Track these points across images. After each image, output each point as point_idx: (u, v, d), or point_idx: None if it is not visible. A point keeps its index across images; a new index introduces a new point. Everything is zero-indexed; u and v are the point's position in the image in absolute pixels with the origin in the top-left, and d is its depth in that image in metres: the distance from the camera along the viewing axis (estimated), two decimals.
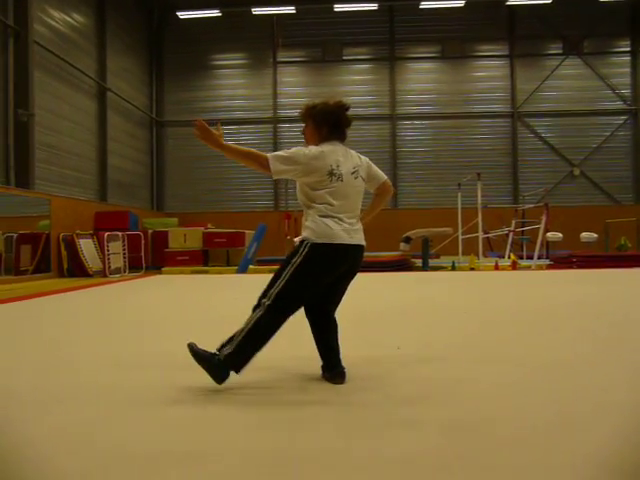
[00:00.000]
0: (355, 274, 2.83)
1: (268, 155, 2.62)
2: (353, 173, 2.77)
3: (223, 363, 2.56)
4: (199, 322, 4.93)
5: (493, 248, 15.76)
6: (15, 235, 10.78)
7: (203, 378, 2.58)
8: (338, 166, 2.70)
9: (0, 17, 11.06)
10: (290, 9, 17.06)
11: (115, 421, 2.24)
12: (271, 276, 2.71)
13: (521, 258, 13.53)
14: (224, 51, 18.53)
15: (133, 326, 4.88)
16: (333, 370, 2.77)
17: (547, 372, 2.92)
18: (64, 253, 11.35)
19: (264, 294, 2.65)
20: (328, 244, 2.62)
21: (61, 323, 5.25)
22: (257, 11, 17.15)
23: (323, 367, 2.83)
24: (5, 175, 11.25)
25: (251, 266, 12.26)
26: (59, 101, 13.18)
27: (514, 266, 11.66)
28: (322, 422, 2.20)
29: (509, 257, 13.06)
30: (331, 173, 2.67)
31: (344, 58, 18.36)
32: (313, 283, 2.68)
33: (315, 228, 2.64)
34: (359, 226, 2.81)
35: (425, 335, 4.13)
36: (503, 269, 11.65)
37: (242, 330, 2.59)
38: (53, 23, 13.01)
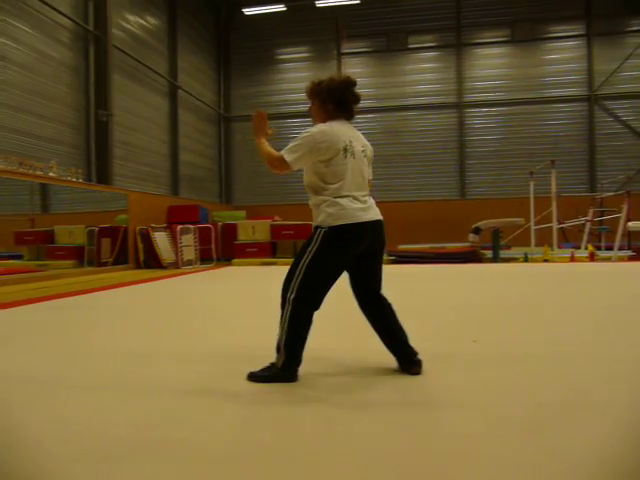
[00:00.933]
0: (382, 250, 2.76)
1: (281, 152, 2.62)
2: (362, 151, 2.75)
3: (282, 370, 2.63)
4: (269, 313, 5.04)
5: (568, 239, 15.08)
6: (96, 229, 11.40)
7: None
8: (351, 142, 2.68)
9: (82, 24, 11.72)
10: (355, 0, 16.93)
11: (194, 414, 2.34)
12: (290, 266, 2.68)
13: (599, 249, 12.88)
14: (288, 45, 18.70)
15: (211, 316, 5.06)
16: (407, 361, 2.74)
17: None
18: (140, 246, 11.86)
19: (285, 289, 2.64)
20: (344, 225, 2.58)
21: (140, 313, 5.51)
22: (321, 4, 17.15)
23: (397, 357, 2.79)
24: (87, 172, 11.94)
25: None
26: (135, 101, 13.81)
27: (592, 257, 11.11)
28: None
29: (586, 248, 12.46)
30: (345, 149, 2.64)
31: (409, 47, 18.05)
32: (334, 268, 2.63)
33: (330, 211, 2.59)
34: (372, 202, 2.76)
35: (500, 329, 4.03)
36: (580, 261, 11.13)
37: (282, 335, 2.62)
38: (129, 27, 13.62)
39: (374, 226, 2.68)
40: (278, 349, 2.65)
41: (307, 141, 2.60)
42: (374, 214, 2.70)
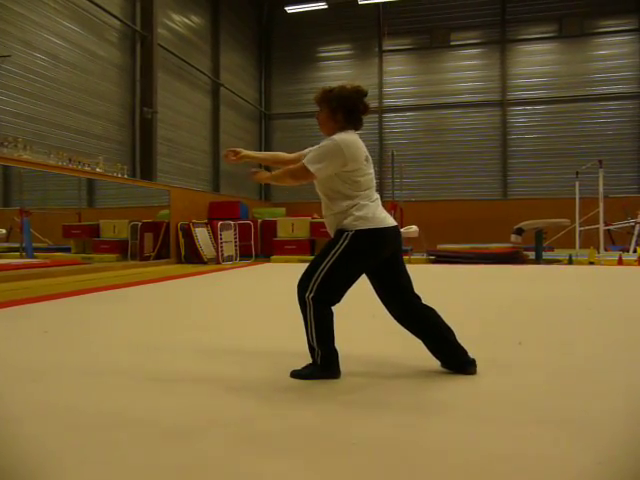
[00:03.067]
0: (400, 251, 2.77)
1: (302, 162, 2.60)
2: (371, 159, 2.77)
3: (324, 369, 2.63)
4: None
5: (615, 241, 14.59)
6: (139, 224, 11.68)
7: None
8: (366, 151, 2.70)
9: (130, 24, 12.02)
10: None
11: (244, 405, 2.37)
12: (308, 265, 2.66)
13: None
14: (330, 43, 18.71)
15: (250, 311, 5.12)
16: (460, 362, 2.68)
17: None
18: (182, 241, 12.09)
19: (303, 286, 2.62)
20: (373, 229, 2.57)
21: (185, 307, 5.62)
22: (363, 1, 17.08)
23: (446, 363, 2.74)
24: (132, 168, 12.26)
25: None
26: (178, 98, 14.08)
27: None
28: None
29: (635, 251, 12.02)
30: (367, 159, 2.66)
31: (452, 44, 17.79)
32: (358, 271, 2.63)
33: (359, 214, 2.58)
34: None
35: (547, 332, 3.94)
36: (628, 264, 10.74)
37: (311, 334, 2.61)
38: (173, 26, 13.90)
39: (396, 231, 2.70)
40: (312, 349, 2.66)
41: (332, 151, 2.56)
42: (392, 220, 2.73)
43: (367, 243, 2.58)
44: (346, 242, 2.57)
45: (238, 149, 2.95)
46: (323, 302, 2.60)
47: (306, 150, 2.82)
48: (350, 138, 2.62)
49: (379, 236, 2.59)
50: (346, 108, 2.68)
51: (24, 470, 1.69)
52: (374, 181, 2.76)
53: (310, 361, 2.70)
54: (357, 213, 2.59)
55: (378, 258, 2.64)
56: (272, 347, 3.39)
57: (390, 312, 2.77)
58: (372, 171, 2.74)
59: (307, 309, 2.61)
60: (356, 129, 2.74)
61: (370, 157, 2.75)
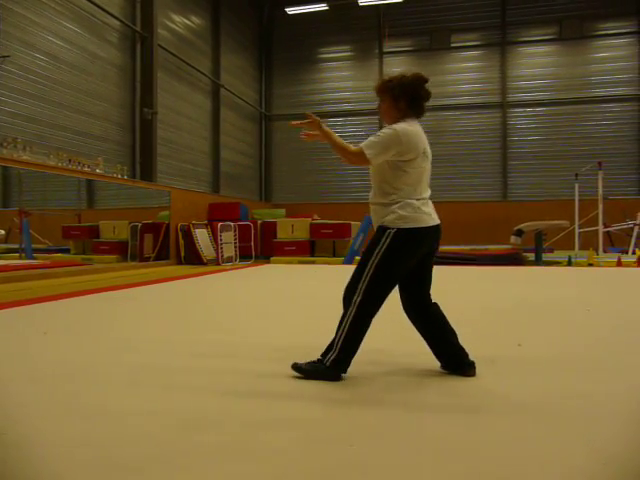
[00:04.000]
0: (435, 252, 2.75)
1: (360, 145, 2.56)
2: (430, 154, 2.73)
3: (330, 368, 2.62)
4: (312, 310, 5.06)
5: (614, 243, 14.60)
6: (139, 225, 11.67)
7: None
8: (427, 144, 2.67)
9: (130, 24, 12.03)
10: None
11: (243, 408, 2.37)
12: (354, 269, 2.65)
13: None
14: (330, 44, 18.71)
15: (255, 313, 5.11)
16: (461, 364, 2.70)
17: None
18: (181, 242, 12.08)
19: (352, 290, 2.61)
20: (414, 228, 2.56)
21: (183, 308, 5.62)
22: (363, 2, 17.08)
23: (447, 366, 2.75)
24: (132, 169, 12.25)
25: (357, 257, 12.36)
26: (178, 99, 14.09)
27: None
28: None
29: (634, 253, 12.03)
30: (424, 152, 2.63)
31: (452, 45, 17.80)
32: (400, 270, 2.62)
33: (402, 212, 2.57)
34: (431, 203, 2.74)
35: (546, 333, 3.93)
36: (627, 265, 10.75)
37: (341, 333, 2.60)
38: (174, 26, 13.90)
39: (437, 230, 2.68)
40: (331, 346, 2.64)
41: (391, 139, 2.54)
42: (436, 218, 2.70)
43: (408, 242, 2.57)
44: (388, 241, 2.56)
45: (315, 119, 2.70)
46: (368, 307, 2.59)
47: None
48: (412, 128, 2.61)
49: (420, 235, 2.59)
50: (408, 95, 2.66)
51: (25, 469, 1.69)
52: (427, 176, 2.70)
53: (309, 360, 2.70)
54: (400, 211, 2.57)
55: (417, 257, 2.64)
56: (276, 344, 3.39)
57: (403, 305, 2.78)
58: (427, 166, 2.68)
59: (350, 309, 2.60)
60: (418, 117, 2.73)
61: (429, 151, 2.71)
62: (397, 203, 2.59)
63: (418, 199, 2.62)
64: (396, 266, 2.60)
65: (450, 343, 2.73)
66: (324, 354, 2.67)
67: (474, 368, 2.70)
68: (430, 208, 2.69)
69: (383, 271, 2.57)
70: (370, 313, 2.61)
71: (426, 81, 2.70)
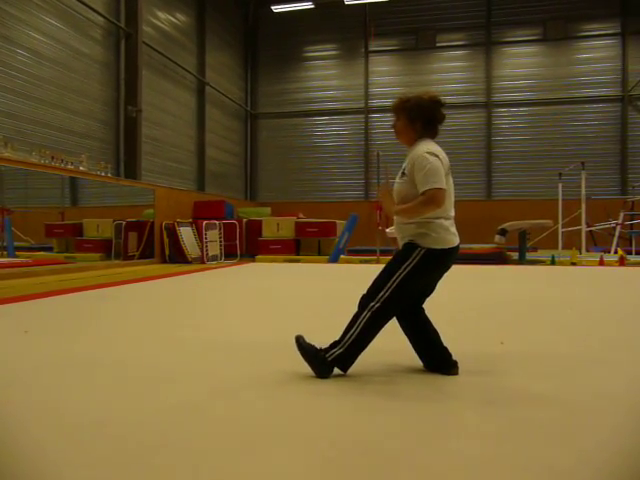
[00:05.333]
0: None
1: (428, 188, 2.52)
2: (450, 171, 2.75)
3: (332, 362, 2.63)
4: (296, 309, 5.05)
5: (597, 242, 14.80)
6: (123, 223, 11.57)
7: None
8: (448, 163, 2.70)
9: (114, 21, 11.90)
10: None
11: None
12: (376, 276, 2.67)
13: (629, 253, 12.60)
14: (316, 43, 18.70)
15: (237, 310, 5.10)
16: (444, 363, 2.74)
17: None
18: (166, 240, 12.00)
19: (371, 296, 2.62)
20: (444, 249, 2.61)
21: (168, 306, 5.58)
22: (350, 1, 17.10)
23: (429, 365, 2.79)
24: (116, 167, 12.14)
25: (342, 256, 12.38)
26: (163, 97, 13.98)
27: (622, 262, 10.86)
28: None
29: (616, 252, 12.20)
30: (448, 172, 2.66)
31: (438, 45, 17.90)
32: (421, 287, 2.71)
33: (434, 234, 2.60)
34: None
35: (527, 331, 3.98)
36: (609, 265, 10.90)
37: (351, 333, 2.62)
38: (159, 23, 13.79)
39: (458, 249, 2.73)
40: (337, 343, 2.64)
41: (438, 164, 2.56)
42: (458, 237, 2.73)
43: (438, 262, 2.64)
44: (417, 259, 2.60)
45: (389, 196, 2.76)
46: (384, 316, 2.62)
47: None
48: (438, 148, 2.65)
49: (447, 256, 2.64)
50: (424, 118, 2.69)
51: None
52: (451, 193, 2.69)
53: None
54: (432, 233, 2.60)
55: (442, 274, 2.74)
56: (258, 343, 3.38)
57: (399, 318, 2.83)
58: (451, 184, 2.69)
59: (364, 314, 2.61)
60: (432, 138, 2.75)
61: (450, 168, 2.71)
62: (430, 223, 2.61)
63: (446, 218, 2.66)
64: (420, 283, 2.68)
65: (434, 344, 2.77)
66: (329, 348, 2.66)
67: (457, 367, 2.74)
68: (454, 228, 2.72)
69: (406, 286, 2.61)
70: (384, 320, 2.65)
71: (442, 105, 2.74)
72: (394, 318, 2.74)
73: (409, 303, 2.77)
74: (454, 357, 2.75)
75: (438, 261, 2.64)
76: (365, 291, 2.68)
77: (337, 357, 2.62)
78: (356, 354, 2.66)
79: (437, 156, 2.58)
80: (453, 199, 2.72)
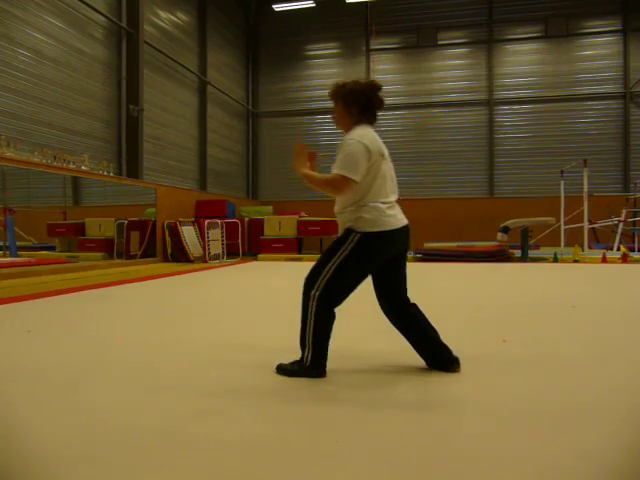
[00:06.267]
0: (407, 252, 2.75)
1: (337, 172, 2.52)
2: (389, 154, 2.74)
3: (311, 367, 2.63)
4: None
5: (599, 239, 14.77)
6: (126, 222, 11.58)
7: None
8: (383, 146, 2.67)
9: (115, 20, 11.91)
10: None
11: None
12: (315, 263, 2.65)
13: (632, 250, 12.57)
14: (317, 41, 18.68)
15: (240, 310, 5.10)
16: (445, 360, 2.71)
17: None
18: (168, 239, 12.01)
19: (311, 284, 2.61)
20: (381, 232, 2.56)
21: (169, 305, 5.59)
22: None
23: (430, 362, 2.76)
24: (118, 166, 12.15)
25: None
26: (164, 96, 13.98)
27: (625, 259, 10.84)
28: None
29: (618, 249, 12.17)
30: (382, 154, 2.63)
31: (439, 43, 17.85)
32: (364, 272, 2.63)
33: (368, 216, 2.56)
34: (398, 206, 2.73)
35: (531, 329, 3.97)
36: (612, 262, 10.88)
37: (307, 330, 2.61)
38: (160, 23, 13.78)
39: (405, 231, 2.69)
40: (303, 345, 2.65)
41: (361, 150, 2.53)
42: (403, 219, 2.70)
43: (374, 246, 2.58)
44: (353, 244, 2.57)
45: (307, 160, 2.74)
46: (327, 302, 2.59)
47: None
48: (368, 133, 2.61)
49: (386, 239, 2.58)
50: (360, 103, 2.66)
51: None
52: (389, 177, 2.68)
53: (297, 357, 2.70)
54: (365, 215, 2.57)
55: (382, 261, 2.64)
56: (260, 344, 3.39)
57: (381, 306, 2.78)
58: (387, 167, 2.67)
59: (310, 305, 2.60)
60: (370, 123, 2.71)
61: (387, 152, 2.71)
62: (363, 207, 2.59)
63: (383, 202, 2.62)
64: (358, 269, 2.61)
65: (432, 340, 2.73)
66: (302, 355, 2.67)
67: (458, 364, 2.72)
68: (396, 210, 2.68)
69: (346, 271, 2.58)
70: (330, 305, 2.61)
71: (379, 89, 2.70)
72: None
73: (383, 306, 2.73)
74: (455, 354, 2.73)
75: (375, 245, 2.58)
76: (307, 275, 2.65)
77: (311, 360, 2.62)
78: (324, 347, 2.62)
79: (364, 144, 2.53)
80: (394, 183, 2.71)
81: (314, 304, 2.58)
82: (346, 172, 2.51)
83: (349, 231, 2.61)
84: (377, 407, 2.22)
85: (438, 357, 2.73)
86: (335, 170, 2.54)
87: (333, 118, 2.80)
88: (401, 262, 2.73)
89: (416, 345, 2.77)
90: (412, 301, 2.78)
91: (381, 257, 2.63)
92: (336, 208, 2.73)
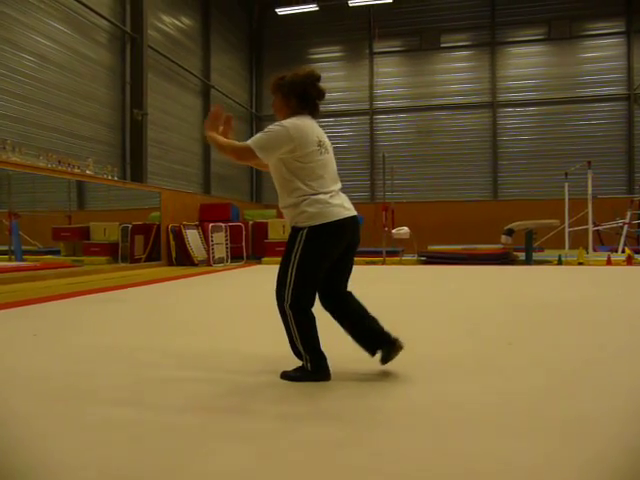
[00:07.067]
0: (356, 247, 2.70)
1: (248, 142, 2.52)
2: (330, 145, 2.71)
3: (314, 372, 2.62)
4: None
5: (604, 242, 14.72)
6: (130, 226, 11.61)
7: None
8: (322, 136, 2.63)
9: (120, 25, 11.97)
10: None
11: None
12: (277, 274, 2.62)
13: (637, 253, 12.51)
14: (321, 45, 18.73)
15: (245, 316, 5.11)
16: (387, 342, 2.62)
17: None
18: (172, 243, 12.03)
19: (281, 297, 2.59)
20: (327, 224, 2.51)
21: (174, 310, 5.60)
22: (354, 3, 17.09)
23: (372, 348, 2.66)
24: (122, 171, 12.19)
25: None
26: (168, 100, 14.04)
27: (630, 261, 10.80)
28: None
29: (623, 251, 12.12)
30: (319, 144, 2.58)
31: (442, 46, 17.88)
32: (322, 266, 2.57)
33: (311, 210, 2.51)
34: (344, 195, 2.69)
35: (537, 331, 3.96)
36: (616, 264, 10.83)
37: (295, 341, 2.60)
38: (164, 27, 13.86)
39: (354, 221, 2.63)
40: (299, 355, 2.65)
41: (280, 134, 2.50)
42: (352, 209, 2.65)
43: (323, 239, 2.52)
44: (302, 241, 2.52)
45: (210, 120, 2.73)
46: (301, 307, 2.57)
47: None
48: (300, 122, 2.57)
49: (335, 229, 2.53)
50: (298, 94, 2.63)
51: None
52: (331, 168, 2.65)
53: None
54: (308, 209, 2.52)
55: (337, 251, 2.59)
56: (265, 350, 3.39)
57: (320, 297, 2.71)
58: (326, 157, 2.62)
59: (288, 318, 2.59)
60: (312, 115, 2.68)
61: (328, 143, 2.67)
62: (304, 200, 2.53)
63: (326, 192, 2.56)
64: (316, 264, 2.55)
65: (369, 326, 2.66)
66: (303, 363, 2.66)
67: (399, 343, 2.61)
68: (342, 200, 2.62)
69: (304, 272, 2.54)
70: (304, 310, 2.58)
71: (317, 79, 2.67)
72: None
73: (320, 297, 2.69)
74: (393, 335, 2.63)
75: (325, 237, 2.52)
76: (275, 287, 2.63)
77: (312, 367, 2.61)
78: (318, 350, 2.60)
79: (288, 129, 2.50)
80: (334, 174, 2.67)
81: (291, 315, 2.56)
82: (255, 146, 2.49)
83: (296, 229, 2.57)
84: (382, 415, 2.22)
85: (377, 340, 2.64)
86: (248, 141, 2.54)
87: (273, 110, 2.77)
88: (348, 256, 2.67)
89: (354, 333, 2.69)
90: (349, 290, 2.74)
91: (334, 248, 2.56)
92: (280, 203, 2.69)
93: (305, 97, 2.64)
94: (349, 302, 2.71)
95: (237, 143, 2.62)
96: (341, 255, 2.63)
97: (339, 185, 2.69)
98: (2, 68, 9.14)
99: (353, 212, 2.65)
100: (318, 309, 2.65)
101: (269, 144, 2.52)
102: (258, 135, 2.55)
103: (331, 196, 2.57)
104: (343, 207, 2.60)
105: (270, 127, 2.56)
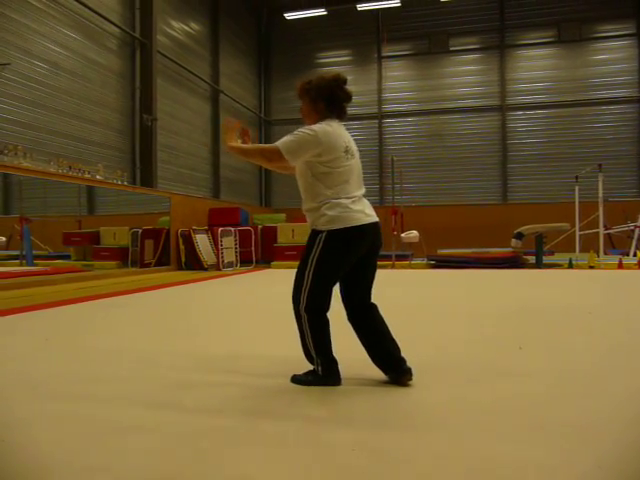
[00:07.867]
0: (377, 254, 2.67)
1: (276, 145, 2.53)
2: (357, 151, 2.71)
3: (325, 377, 2.61)
4: None
5: (615, 245, 14.59)
6: (140, 231, 11.66)
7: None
8: (349, 142, 2.63)
9: (129, 31, 12.07)
10: (395, 3, 16.74)
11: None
12: (295, 277, 2.62)
13: None
14: (329, 49, 18.77)
15: (256, 320, 5.10)
16: (398, 369, 2.61)
17: None
18: (182, 247, 12.07)
19: (296, 300, 2.59)
20: (347, 228, 2.50)
21: (184, 314, 5.61)
22: (362, 7, 17.12)
23: (384, 369, 2.66)
24: (132, 175, 12.27)
25: None
26: (177, 105, 14.12)
27: None
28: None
29: (635, 255, 12.01)
30: (346, 150, 2.58)
31: (451, 49, 17.85)
32: (338, 271, 2.57)
33: (331, 213, 2.51)
34: (367, 201, 2.68)
35: (548, 336, 3.92)
36: (628, 268, 10.73)
37: (308, 344, 2.60)
38: (173, 33, 13.95)
39: (375, 228, 2.62)
40: (310, 358, 2.65)
41: (309, 138, 2.51)
42: (373, 216, 2.64)
43: (341, 243, 2.51)
44: (321, 245, 2.53)
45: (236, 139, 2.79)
46: (316, 312, 2.57)
47: None
48: (330, 128, 2.58)
49: (354, 234, 2.52)
50: (326, 97, 2.64)
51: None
52: (356, 174, 2.64)
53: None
54: (329, 212, 2.52)
55: (355, 257, 2.58)
56: (275, 353, 3.38)
57: (345, 306, 2.70)
58: (352, 163, 2.62)
59: (302, 321, 2.59)
60: (340, 118, 2.69)
61: (355, 149, 2.68)
62: (325, 204, 2.54)
63: (348, 197, 2.55)
64: (333, 268, 2.55)
65: (387, 350, 2.63)
66: (314, 367, 2.65)
67: (411, 374, 2.59)
68: (363, 205, 2.61)
69: (321, 276, 2.54)
70: (319, 314, 2.58)
71: (344, 82, 2.68)
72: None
73: (346, 306, 2.68)
74: (408, 364, 2.61)
75: (344, 241, 2.51)
76: (292, 289, 2.62)
77: (323, 371, 2.60)
78: (330, 355, 2.61)
79: (317, 134, 2.51)
80: (359, 179, 2.67)
81: (305, 318, 2.57)
82: (283, 147, 2.51)
83: (315, 232, 2.58)
84: (389, 419, 2.20)
85: (386, 363, 2.64)
86: (277, 142, 2.55)
87: (302, 115, 2.76)
88: (370, 261, 2.66)
89: (374, 355, 2.68)
90: (379, 312, 2.71)
91: (352, 254, 2.55)
92: (303, 206, 2.69)
93: (333, 100, 2.65)
94: (374, 317, 2.68)
95: (264, 145, 2.65)
96: (362, 262, 2.62)
97: (363, 190, 2.69)
98: (15, 75, 9.23)
99: (374, 218, 2.64)
100: (333, 316, 2.64)
101: (297, 147, 2.53)
102: (286, 137, 2.57)
103: (353, 201, 2.57)
104: (364, 213, 2.59)
105: (299, 130, 2.57)
